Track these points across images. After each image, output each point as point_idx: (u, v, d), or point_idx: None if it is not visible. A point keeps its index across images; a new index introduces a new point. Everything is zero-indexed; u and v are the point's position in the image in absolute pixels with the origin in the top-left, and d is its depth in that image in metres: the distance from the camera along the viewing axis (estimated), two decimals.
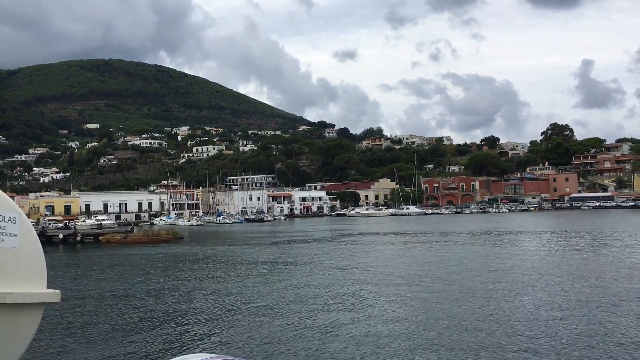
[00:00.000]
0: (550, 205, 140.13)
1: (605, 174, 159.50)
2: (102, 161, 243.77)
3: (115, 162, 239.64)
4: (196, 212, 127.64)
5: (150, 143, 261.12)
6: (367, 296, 23.93)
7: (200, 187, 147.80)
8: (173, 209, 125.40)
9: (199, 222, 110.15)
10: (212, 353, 2.50)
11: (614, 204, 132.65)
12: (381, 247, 49.68)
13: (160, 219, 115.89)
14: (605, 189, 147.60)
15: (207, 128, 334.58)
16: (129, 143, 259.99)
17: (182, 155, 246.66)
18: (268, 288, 26.91)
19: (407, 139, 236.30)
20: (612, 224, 75.03)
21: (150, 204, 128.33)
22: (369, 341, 16.37)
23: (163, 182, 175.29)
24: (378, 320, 19.05)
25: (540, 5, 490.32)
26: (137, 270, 37.12)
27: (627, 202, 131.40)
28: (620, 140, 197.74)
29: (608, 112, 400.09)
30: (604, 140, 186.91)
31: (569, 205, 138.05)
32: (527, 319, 18.62)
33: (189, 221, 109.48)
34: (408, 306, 21.37)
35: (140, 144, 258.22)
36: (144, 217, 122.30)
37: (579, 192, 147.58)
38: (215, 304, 23.06)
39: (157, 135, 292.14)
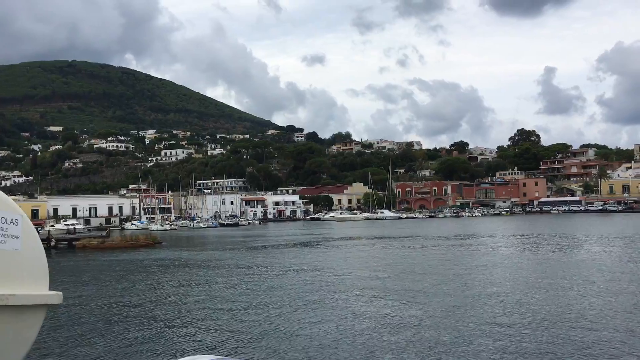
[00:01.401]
0: (521, 209, 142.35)
1: (572, 179, 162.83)
2: (66, 164, 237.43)
3: (80, 166, 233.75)
4: (168, 216, 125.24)
5: (116, 146, 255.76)
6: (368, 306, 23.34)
7: (170, 191, 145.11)
8: (144, 214, 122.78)
9: (173, 227, 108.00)
10: (219, 355, 2.54)
11: (582, 208, 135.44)
12: (378, 254, 49.22)
13: (132, 224, 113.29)
14: (573, 194, 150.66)
15: (175, 131, 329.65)
16: (95, 146, 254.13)
17: (150, 159, 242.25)
18: (272, 294, 26.09)
19: (377, 143, 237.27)
20: (589, 226, 76.46)
21: (120, 208, 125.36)
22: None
23: (131, 185, 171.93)
24: (361, 324, 18.51)
25: (505, 13, 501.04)
26: (130, 275, 35.77)
27: (596, 207, 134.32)
28: (585, 146, 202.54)
29: (569, 118, 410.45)
30: (570, 146, 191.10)
31: (539, 209, 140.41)
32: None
33: (162, 226, 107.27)
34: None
35: (106, 147, 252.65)
36: (114, 221, 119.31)
37: (548, 196, 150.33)
38: (216, 309, 22.16)
39: (123, 138, 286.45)
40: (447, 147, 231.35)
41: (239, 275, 34.35)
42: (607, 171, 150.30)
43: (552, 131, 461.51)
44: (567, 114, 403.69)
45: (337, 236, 73.19)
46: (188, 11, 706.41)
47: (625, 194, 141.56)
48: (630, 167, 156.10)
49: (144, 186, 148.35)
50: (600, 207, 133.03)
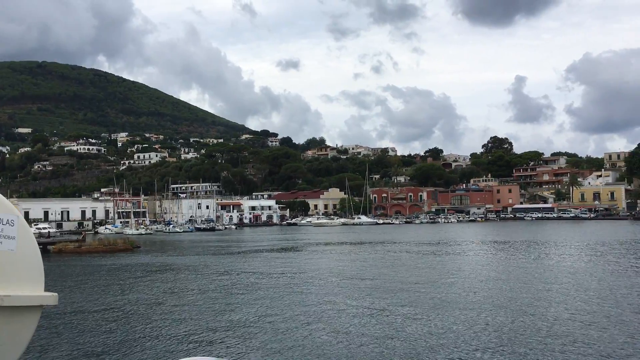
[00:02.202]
0: (495, 216, 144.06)
1: (544, 186, 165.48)
2: (36, 167, 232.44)
3: (50, 169, 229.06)
4: (143, 220, 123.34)
5: (88, 149, 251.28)
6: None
7: (142, 195, 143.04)
8: (118, 218, 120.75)
9: (148, 231, 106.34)
10: (213, 356, 2.58)
11: (555, 215, 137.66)
12: (367, 260, 49.05)
13: (106, 228, 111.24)
14: (545, 201, 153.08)
15: (147, 135, 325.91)
16: (66, 149, 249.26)
17: (122, 162, 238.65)
18: (265, 302, 25.70)
19: (352, 149, 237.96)
20: (565, 233, 77.70)
21: (94, 212, 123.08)
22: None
23: (103, 189, 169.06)
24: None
25: (477, 22, 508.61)
26: (115, 281, 34.94)
27: (568, 214, 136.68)
28: (556, 154, 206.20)
29: (539, 126, 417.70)
30: (542, 154, 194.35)
31: (512, 216, 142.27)
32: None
33: (137, 230, 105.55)
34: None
35: (77, 149, 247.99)
36: (87, 225, 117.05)
37: (521, 203, 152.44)
38: (210, 314, 21.72)
39: (94, 141, 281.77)
40: (421, 153, 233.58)
41: (226, 280, 33.84)
42: (578, 179, 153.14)
43: (522, 139, 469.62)
44: (537, 123, 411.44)
45: (318, 241, 72.91)
46: (162, 14, 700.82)
47: (596, 202, 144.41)
48: (600, 175, 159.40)
49: (116, 189, 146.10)
50: (573, 215, 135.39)
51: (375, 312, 22.02)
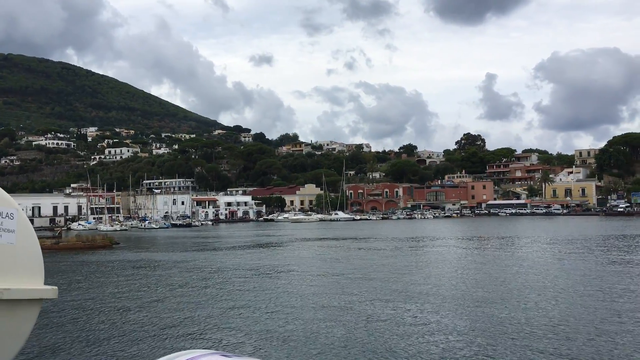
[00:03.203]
0: (470, 212, 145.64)
1: (517, 183, 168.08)
2: (3, 162, 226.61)
3: (18, 163, 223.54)
4: (117, 216, 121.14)
5: (57, 144, 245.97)
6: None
7: (114, 191, 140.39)
8: (91, 214, 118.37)
9: (123, 227, 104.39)
10: (206, 349, 2.61)
11: (528, 211, 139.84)
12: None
13: (79, 224, 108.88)
14: (518, 197, 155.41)
15: (117, 129, 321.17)
16: (34, 143, 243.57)
17: (93, 157, 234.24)
18: (261, 294, 25.22)
19: (327, 145, 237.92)
20: (540, 228, 78.86)
21: (66, 208, 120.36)
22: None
23: (73, 184, 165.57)
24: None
25: (448, 20, 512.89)
26: (100, 278, 33.96)
27: (540, 210, 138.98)
28: (528, 151, 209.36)
29: (509, 124, 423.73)
30: (515, 151, 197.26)
31: (486, 212, 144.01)
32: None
33: (112, 226, 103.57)
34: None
35: (45, 144, 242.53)
36: (59, 221, 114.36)
37: (495, 199, 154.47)
38: (208, 309, 21.18)
39: (62, 135, 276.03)
40: (395, 150, 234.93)
41: (213, 277, 33.22)
42: (550, 175, 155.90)
43: (492, 136, 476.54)
44: (507, 120, 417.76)
45: (297, 237, 72.49)
46: (132, 7, 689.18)
47: (568, 197, 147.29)
48: (571, 172, 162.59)
49: (87, 185, 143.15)
50: (545, 210, 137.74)
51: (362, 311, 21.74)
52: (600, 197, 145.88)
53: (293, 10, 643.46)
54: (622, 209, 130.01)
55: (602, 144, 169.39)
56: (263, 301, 24.02)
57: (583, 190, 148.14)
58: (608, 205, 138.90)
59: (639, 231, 70.65)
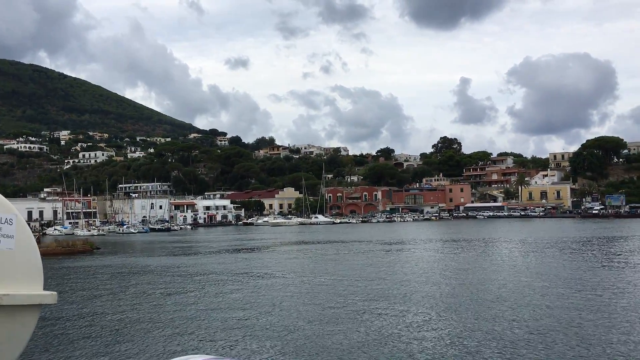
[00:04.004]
0: (448, 214, 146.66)
1: (493, 185, 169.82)
2: None
3: None
4: (93, 221, 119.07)
5: (29, 147, 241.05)
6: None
7: (90, 195, 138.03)
8: (67, 218, 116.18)
9: (101, 232, 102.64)
10: (210, 354, 2.62)
11: (505, 213, 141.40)
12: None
13: (55, 229, 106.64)
14: (495, 199, 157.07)
15: (91, 133, 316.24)
16: (5, 147, 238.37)
17: (66, 161, 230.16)
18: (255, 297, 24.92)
19: (305, 148, 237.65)
20: (521, 230, 79.80)
21: (41, 213, 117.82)
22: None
23: (46, 189, 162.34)
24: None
25: (423, 25, 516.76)
26: (86, 284, 33.22)
27: (517, 212, 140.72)
28: (503, 154, 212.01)
29: (483, 127, 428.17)
30: (490, 154, 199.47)
31: (465, 214, 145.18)
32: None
33: (89, 231, 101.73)
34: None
35: (17, 147, 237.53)
36: (34, 226, 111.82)
37: (472, 202, 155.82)
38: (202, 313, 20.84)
39: (34, 139, 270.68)
40: (372, 153, 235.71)
41: (200, 281, 32.77)
42: (526, 178, 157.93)
43: (467, 139, 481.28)
44: (481, 124, 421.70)
45: (278, 241, 72.18)
46: (105, 9, 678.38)
47: (544, 200, 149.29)
48: (546, 175, 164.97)
49: (58, 189, 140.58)
50: (522, 213, 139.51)
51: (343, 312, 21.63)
52: (574, 199, 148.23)
53: (268, 13, 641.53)
54: (596, 211, 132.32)
55: (573, 148, 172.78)
56: (259, 305, 23.73)
57: (558, 192, 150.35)
58: (583, 207, 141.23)
59: (615, 233, 71.99)
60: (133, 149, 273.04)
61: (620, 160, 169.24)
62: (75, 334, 19.51)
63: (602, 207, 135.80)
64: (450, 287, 28.16)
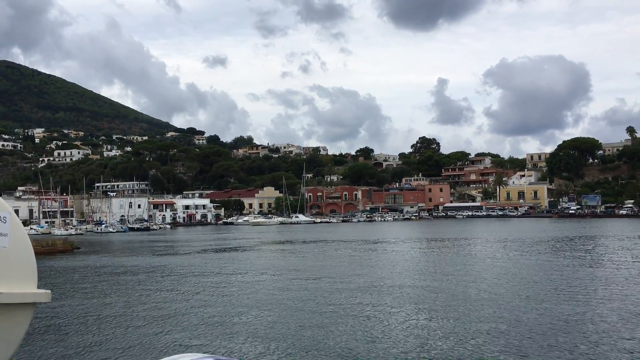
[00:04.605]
0: (428, 214, 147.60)
1: (471, 185, 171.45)
2: None
3: None
4: (70, 220, 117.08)
5: (2, 145, 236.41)
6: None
7: (66, 193, 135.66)
8: (43, 217, 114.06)
9: (79, 232, 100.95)
10: (202, 353, 2.61)
11: (484, 213, 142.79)
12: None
13: (31, 228, 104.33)
14: (473, 199, 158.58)
15: (66, 131, 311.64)
16: None
17: (41, 159, 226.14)
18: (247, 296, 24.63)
19: (284, 148, 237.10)
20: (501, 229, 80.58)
21: (16, 212, 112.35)
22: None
23: (20, 187, 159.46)
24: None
25: (401, 25, 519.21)
26: (70, 285, 32.50)
27: (496, 212, 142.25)
28: (481, 154, 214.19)
29: (460, 128, 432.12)
30: (469, 154, 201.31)
31: (444, 214, 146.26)
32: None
33: (66, 230, 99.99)
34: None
35: None
36: None
37: (451, 202, 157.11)
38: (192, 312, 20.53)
39: (7, 137, 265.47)
40: (352, 153, 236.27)
41: (187, 280, 32.33)
42: (504, 178, 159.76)
43: (444, 140, 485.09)
44: (458, 124, 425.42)
45: (261, 240, 71.77)
46: (80, 5, 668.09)
47: (521, 200, 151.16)
48: (523, 175, 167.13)
49: (34, 188, 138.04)
50: (501, 213, 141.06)
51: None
52: (551, 199, 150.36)
53: (247, 11, 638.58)
54: (573, 211, 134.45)
55: (548, 148, 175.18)
56: (249, 306, 23.44)
57: (535, 193, 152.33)
58: (559, 207, 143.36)
59: (592, 232, 73.11)
60: (109, 147, 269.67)
61: (596, 161, 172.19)
62: (67, 333, 19.04)
63: (579, 207, 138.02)
64: (440, 284, 28.19)
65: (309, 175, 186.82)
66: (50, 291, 2.92)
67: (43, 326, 20.20)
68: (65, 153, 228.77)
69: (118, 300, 26.28)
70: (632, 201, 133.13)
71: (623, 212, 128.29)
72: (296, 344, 16.97)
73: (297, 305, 23.25)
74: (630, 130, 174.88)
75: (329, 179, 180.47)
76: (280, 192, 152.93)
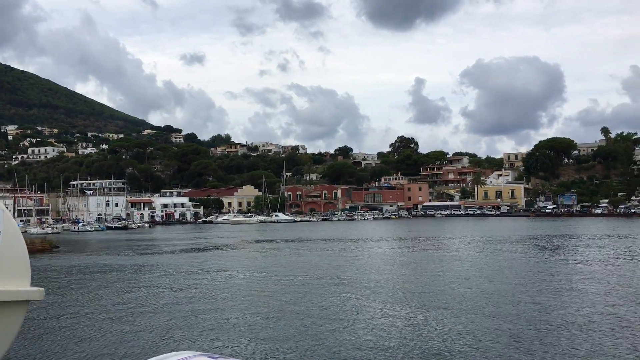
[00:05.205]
0: (407, 213, 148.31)
1: (450, 185, 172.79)
2: None
3: None
4: (46, 218, 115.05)
5: None
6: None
7: (42, 191, 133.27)
8: (18, 216, 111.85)
9: (55, 230, 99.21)
10: (193, 351, 2.59)
11: (462, 212, 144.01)
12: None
13: None
14: (452, 198, 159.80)
15: (40, 128, 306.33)
16: None
17: (14, 157, 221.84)
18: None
19: (263, 146, 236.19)
20: (486, 228, 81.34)
21: None
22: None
23: None
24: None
25: (379, 25, 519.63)
26: (54, 285, 31.86)
27: (474, 211, 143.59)
28: (459, 154, 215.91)
29: (437, 127, 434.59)
30: (447, 154, 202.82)
31: (423, 213, 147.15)
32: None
33: (42, 229, 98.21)
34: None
35: None
36: None
37: (430, 201, 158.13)
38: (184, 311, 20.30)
39: None
40: (330, 152, 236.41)
41: (172, 279, 31.96)
42: (481, 178, 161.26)
43: (421, 139, 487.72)
44: (435, 124, 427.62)
45: (242, 239, 71.37)
46: (54, 1, 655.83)
47: (499, 199, 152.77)
48: (501, 175, 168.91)
49: (8, 185, 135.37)
50: (479, 212, 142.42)
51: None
52: (528, 198, 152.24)
53: (224, 9, 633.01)
54: (549, 210, 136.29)
55: (523, 148, 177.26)
56: (236, 304, 23.26)
57: (512, 192, 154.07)
58: (536, 206, 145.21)
59: (571, 231, 74.24)
60: (85, 145, 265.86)
61: (571, 160, 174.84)
62: (60, 332, 18.64)
63: (555, 206, 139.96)
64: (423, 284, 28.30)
65: (288, 174, 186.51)
66: (43, 289, 2.87)
67: (34, 326, 19.76)
68: (39, 150, 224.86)
69: (106, 300, 25.84)
70: (607, 200, 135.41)
71: (598, 211, 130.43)
72: (284, 342, 17.08)
73: (285, 306, 23.10)
74: (605, 131, 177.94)
75: (308, 178, 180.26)
76: (259, 191, 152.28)
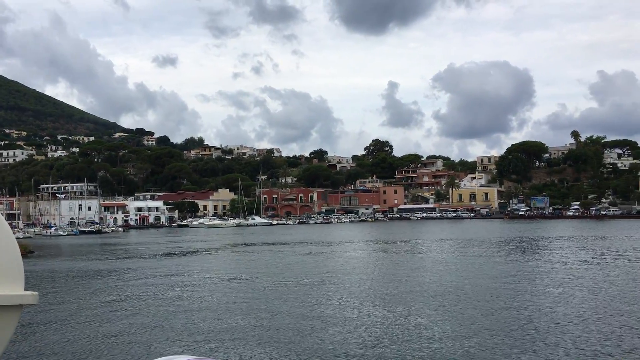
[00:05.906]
0: (383, 216, 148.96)
1: (424, 187, 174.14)
2: None
3: None
4: (17, 223, 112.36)
5: None
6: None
7: (11, 195, 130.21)
8: None
9: (27, 235, 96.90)
10: (193, 355, 2.57)
11: (437, 214, 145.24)
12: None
13: None
14: (427, 201, 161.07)
15: (7, 130, 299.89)
16: None
17: None
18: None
19: (237, 149, 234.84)
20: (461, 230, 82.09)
21: None
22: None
23: None
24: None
25: (353, 29, 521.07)
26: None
27: (449, 214, 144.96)
28: (432, 157, 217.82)
29: (410, 131, 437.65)
30: (421, 157, 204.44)
31: (399, 216, 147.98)
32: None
33: (14, 234, 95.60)
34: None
35: None
36: None
37: (405, 203, 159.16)
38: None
39: None
40: (305, 155, 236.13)
41: (151, 283, 31.48)
42: (455, 181, 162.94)
43: (394, 142, 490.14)
44: (408, 127, 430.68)
45: (222, 243, 70.76)
46: (22, 1, 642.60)
47: (473, 202, 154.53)
48: (474, 177, 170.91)
49: None
50: (454, 214, 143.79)
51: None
52: (501, 201, 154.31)
53: (197, 11, 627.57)
54: (523, 213, 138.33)
55: (494, 151, 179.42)
56: (220, 306, 23.00)
57: (486, 194, 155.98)
58: (509, 209, 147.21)
59: (544, 233, 75.47)
60: (54, 147, 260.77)
61: (542, 164, 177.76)
62: (51, 338, 18.13)
63: (528, 208, 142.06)
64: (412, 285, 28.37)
65: (264, 177, 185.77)
66: (37, 293, 2.74)
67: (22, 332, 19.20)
68: (7, 153, 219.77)
69: (89, 303, 25.28)
70: (578, 203, 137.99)
71: (570, 213, 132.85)
72: (271, 344, 17.38)
73: (264, 307, 22.93)
74: (575, 134, 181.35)
75: (283, 181, 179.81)
76: (235, 194, 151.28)
